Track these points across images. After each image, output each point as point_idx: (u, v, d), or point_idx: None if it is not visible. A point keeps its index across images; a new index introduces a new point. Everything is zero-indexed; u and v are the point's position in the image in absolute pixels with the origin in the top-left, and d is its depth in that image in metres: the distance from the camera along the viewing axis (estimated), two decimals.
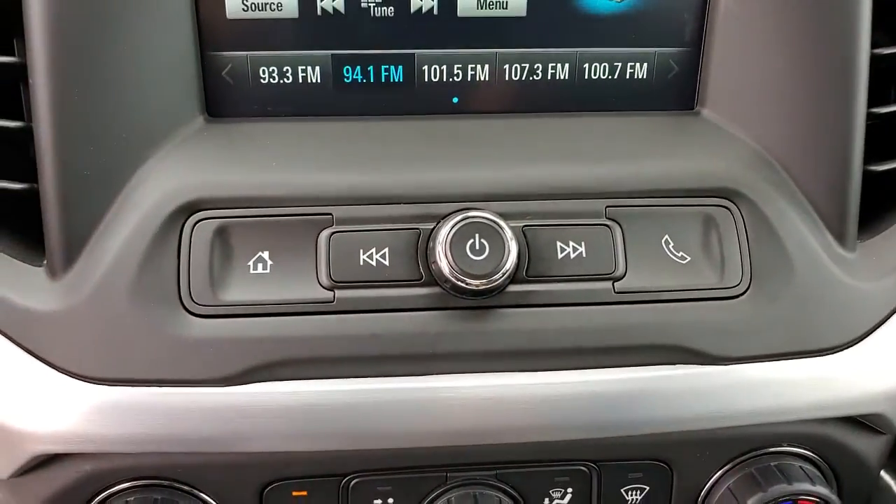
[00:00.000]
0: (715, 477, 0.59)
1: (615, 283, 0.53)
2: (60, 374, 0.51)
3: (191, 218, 0.52)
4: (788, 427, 0.58)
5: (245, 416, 0.51)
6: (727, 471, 0.59)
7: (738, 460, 0.59)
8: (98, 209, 0.52)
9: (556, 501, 0.58)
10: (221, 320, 0.51)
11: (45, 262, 0.53)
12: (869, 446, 0.60)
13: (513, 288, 0.52)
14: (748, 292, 0.54)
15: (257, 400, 0.51)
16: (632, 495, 0.59)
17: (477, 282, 0.50)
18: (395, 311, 0.52)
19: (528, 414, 0.53)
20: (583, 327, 0.53)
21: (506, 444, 0.56)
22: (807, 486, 0.57)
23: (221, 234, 0.52)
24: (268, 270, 0.52)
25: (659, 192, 0.55)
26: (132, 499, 0.54)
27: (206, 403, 0.51)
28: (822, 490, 0.56)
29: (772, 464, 0.58)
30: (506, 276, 0.50)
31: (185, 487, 0.55)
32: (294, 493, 0.56)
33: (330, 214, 0.52)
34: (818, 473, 0.59)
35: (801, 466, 0.58)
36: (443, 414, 0.53)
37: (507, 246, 0.50)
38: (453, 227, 0.50)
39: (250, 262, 0.52)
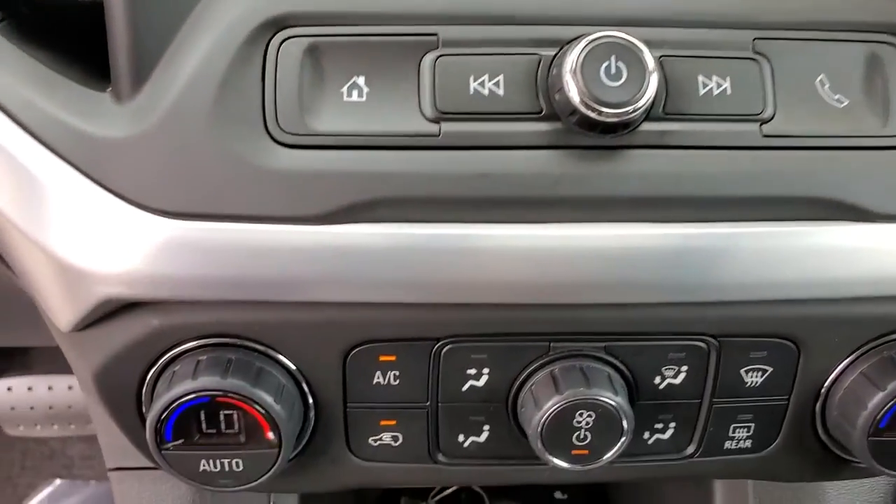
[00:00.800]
0: (847, 361, 0.53)
1: (763, 126, 0.46)
2: (131, 207, 0.45)
3: (277, 35, 0.45)
4: None
5: (337, 258, 0.45)
6: (861, 354, 0.53)
7: (874, 343, 0.52)
8: (171, 23, 0.45)
9: (669, 381, 0.53)
10: (312, 151, 0.45)
11: (110, 87, 0.47)
12: None
13: (647, 126, 0.45)
14: None
15: (352, 241, 0.45)
16: (752, 377, 0.53)
17: (611, 111, 0.42)
18: (510, 148, 0.45)
19: (655, 270, 0.47)
20: (725, 173, 0.46)
21: (619, 309, 0.50)
22: None
23: (312, 54, 0.45)
24: (363, 98, 0.45)
25: (815, 24, 0.47)
26: (204, 358, 0.49)
27: (294, 243, 0.45)
28: None
29: None
30: (643, 109, 0.43)
31: (262, 348, 0.50)
32: (381, 358, 0.51)
33: (436, 35, 0.45)
34: None
35: None
36: (557, 267, 0.46)
37: (647, 72, 0.43)
38: (586, 46, 0.43)
39: (344, 89, 0.45)
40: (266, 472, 0.50)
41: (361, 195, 0.44)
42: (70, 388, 1.58)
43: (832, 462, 0.57)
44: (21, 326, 1.02)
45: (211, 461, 0.49)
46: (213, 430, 0.49)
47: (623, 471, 0.56)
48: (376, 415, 0.53)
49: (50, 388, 1.57)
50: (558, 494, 0.89)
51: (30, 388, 1.56)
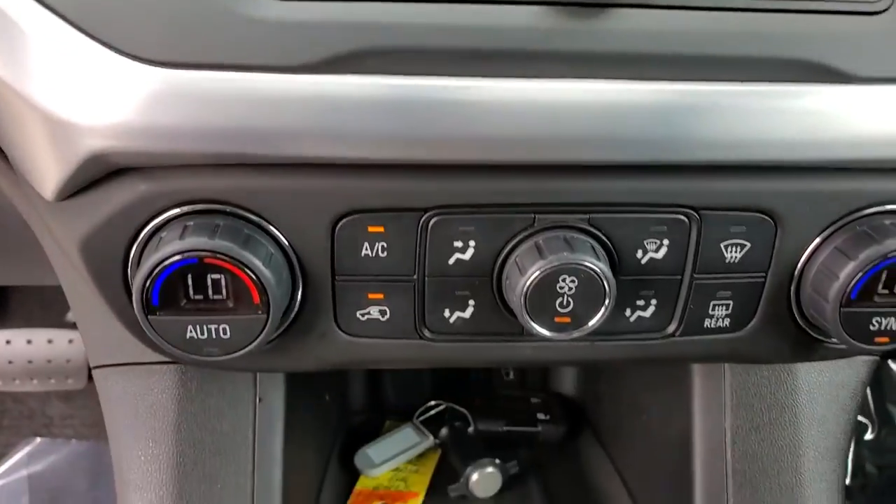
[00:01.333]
0: (821, 237, 0.54)
1: None
2: (119, 56, 0.45)
3: None
4: None
5: (325, 108, 0.45)
6: (835, 230, 0.54)
7: (848, 218, 0.54)
8: None
9: (651, 255, 0.54)
10: (301, 2, 0.45)
11: None
12: None
13: None
14: (893, 7, 0.48)
15: (340, 92, 0.45)
16: (731, 253, 0.54)
17: None
18: (499, 2, 0.46)
19: (639, 126, 0.48)
20: (710, 32, 0.47)
21: (602, 179, 0.51)
22: None
23: None
24: None
25: None
26: (191, 223, 0.49)
27: (283, 92, 0.45)
28: None
29: (886, 222, 0.54)
30: None
31: (250, 216, 0.50)
32: (369, 229, 0.51)
33: None
34: None
35: None
36: (543, 121, 0.47)
37: None
38: None
39: None
40: (253, 340, 0.50)
41: (349, 45, 0.45)
42: (50, 341, 1.57)
43: (807, 343, 0.59)
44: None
45: (198, 327, 0.50)
46: (201, 296, 0.49)
47: (605, 349, 0.57)
48: (364, 288, 0.53)
49: (29, 341, 1.56)
50: (541, 416, 0.91)
51: (8, 342, 1.55)
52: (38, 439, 1.77)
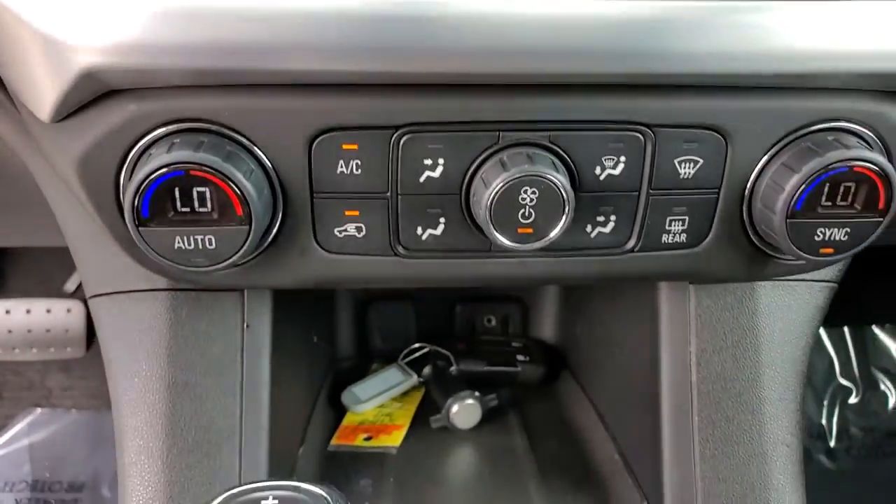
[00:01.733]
0: (769, 154, 0.58)
1: None
2: None
3: None
4: (847, 102, 0.57)
5: (302, 21, 0.49)
6: (782, 147, 0.58)
7: (794, 135, 0.58)
8: None
9: (608, 171, 0.57)
10: None
11: None
12: None
13: None
14: None
15: (317, 5, 0.49)
16: (685, 169, 0.58)
17: None
18: None
19: (595, 37, 0.51)
20: None
21: (563, 97, 0.54)
22: (865, 153, 0.56)
23: None
24: None
25: None
26: (178, 140, 0.53)
27: (266, 7, 0.49)
28: (879, 158, 0.56)
29: (829, 137, 0.57)
30: None
31: (232, 134, 0.54)
32: (344, 146, 0.55)
33: None
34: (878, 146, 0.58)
35: (858, 140, 0.57)
36: (507, 31, 0.50)
37: None
38: None
39: None
40: (237, 251, 0.54)
41: None
42: (48, 311, 1.60)
43: (761, 259, 0.62)
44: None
45: (185, 238, 0.53)
46: (187, 209, 0.53)
47: (568, 265, 0.61)
48: (341, 204, 0.57)
49: (28, 311, 1.59)
50: (520, 357, 0.94)
51: (7, 312, 1.59)
52: (39, 410, 1.81)
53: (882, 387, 1.84)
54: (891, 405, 1.83)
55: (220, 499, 0.41)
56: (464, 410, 0.83)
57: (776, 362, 0.70)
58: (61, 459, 1.74)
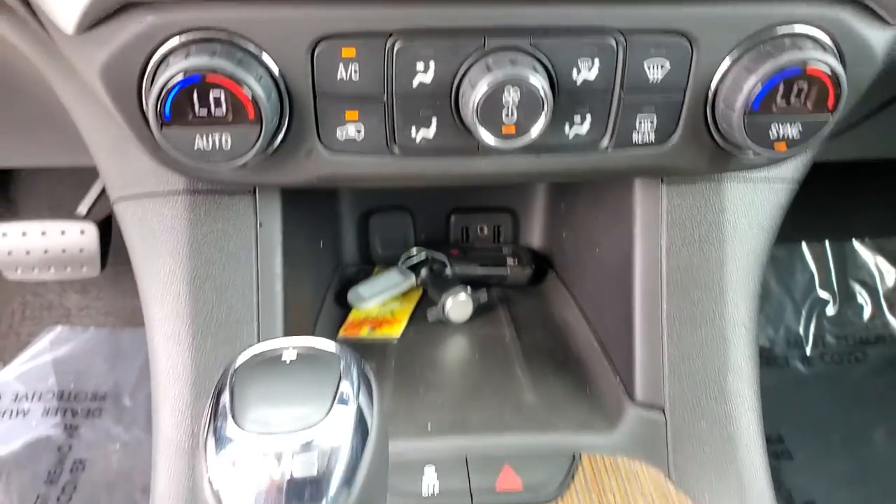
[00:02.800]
0: (731, 57, 0.64)
1: None
2: None
3: None
4: (804, 8, 0.62)
5: None
6: (743, 52, 0.64)
7: (754, 39, 0.63)
8: None
9: (584, 75, 0.63)
10: None
11: None
12: (877, 37, 0.65)
13: None
14: None
15: None
16: (653, 72, 0.64)
17: None
18: None
19: None
20: None
21: (543, 5, 0.60)
22: (816, 54, 0.61)
23: None
24: None
25: None
26: (193, 48, 0.58)
27: None
28: (831, 59, 0.61)
29: (786, 41, 0.63)
30: None
31: (243, 42, 0.60)
32: (343, 53, 0.61)
33: None
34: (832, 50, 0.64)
35: (813, 44, 0.63)
36: None
37: None
38: None
39: None
40: (250, 149, 0.60)
41: None
42: (63, 233, 1.67)
43: (722, 155, 0.69)
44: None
45: (203, 137, 0.60)
46: (205, 111, 0.59)
47: (550, 162, 0.67)
48: (342, 107, 0.63)
49: (43, 233, 1.66)
50: (510, 261, 1.02)
51: (24, 234, 1.65)
52: (59, 327, 1.90)
53: (859, 298, 1.93)
54: (865, 315, 1.92)
55: (246, 353, 0.47)
56: (457, 305, 0.91)
57: (739, 255, 0.77)
58: (83, 373, 1.85)
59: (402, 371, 0.83)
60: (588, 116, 0.65)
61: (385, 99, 0.63)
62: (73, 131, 0.77)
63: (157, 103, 0.58)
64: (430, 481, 0.68)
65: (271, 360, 0.43)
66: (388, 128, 0.64)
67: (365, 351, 0.86)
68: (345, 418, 0.39)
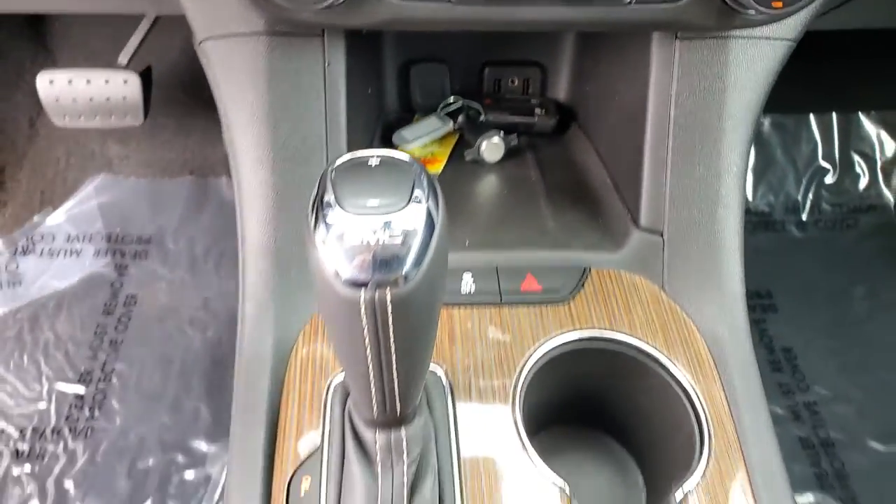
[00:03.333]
0: None
1: None
2: None
3: None
4: None
5: None
6: None
7: None
8: None
9: None
10: None
11: None
12: None
13: None
14: None
15: None
16: None
17: None
18: None
19: None
20: None
21: None
22: None
23: None
24: None
25: None
26: None
27: None
28: None
29: None
30: None
31: None
32: None
33: None
34: None
35: None
36: None
37: None
38: None
39: None
40: None
41: None
42: (107, 81, 1.75)
43: (729, 13, 0.77)
44: None
45: None
46: None
47: (578, 12, 0.76)
48: None
49: (88, 81, 1.74)
50: (538, 111, 1.12)
51: (70, 82, 1.74)
52: (102, 175, 2.03)
53: (857, 169, 2.04)
54: (861, 185, 2.04)
55: (341, 158, 0.56)
56: (491, 147, 1.02)
57: (737, 104, 0.87)
58: (128, 218, 1.99)
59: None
60: None
61: None
62: None
63: None
64: (467, 283, 0.83)
65: (360, 164, 0.52)
66: None
67: None
68: (419, 211, 0.48)
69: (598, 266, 0.85)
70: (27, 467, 1.59)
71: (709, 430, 0.72)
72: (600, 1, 0.75)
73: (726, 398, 0.75)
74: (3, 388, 1.70)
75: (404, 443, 0.59)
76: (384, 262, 0.47)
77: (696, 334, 0.80)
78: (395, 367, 0.52)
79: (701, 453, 0.71)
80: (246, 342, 0.77)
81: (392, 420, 0.58)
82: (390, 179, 0.50)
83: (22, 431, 1.64)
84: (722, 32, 0.82)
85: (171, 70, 1.87)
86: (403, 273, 0.47)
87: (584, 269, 0.84)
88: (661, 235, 0.85)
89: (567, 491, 0.66)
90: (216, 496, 1.57)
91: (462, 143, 1.09)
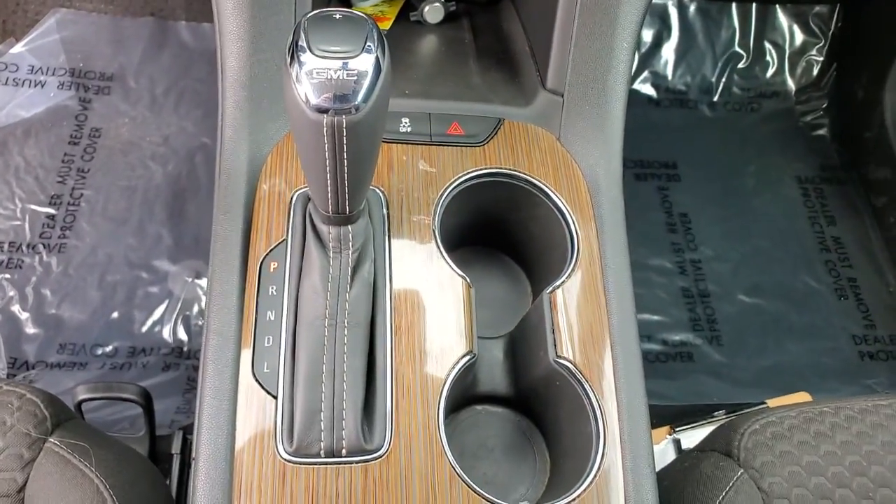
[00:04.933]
0: None
1: None
2: None
3: None
4: None
5: None
6: None
7: None
8: None
9: None
10: None
11: None
12: None
13: None
14: None
15: None
16: None
17: None
18: None
19: None
20: None
21: None
22: None
23: None
24: None
25: None
26: None
27: None
28: None
29: None
30: None
31: None
32: None
33: None
34: None
35: None
36: None
37: None
38: None
39: None
40: None
41: None
42: None
43: None
44: None
45: None
46: None
47: None
48: None
49: None
50: None
51: None
52: (64, 10, 2.08)
53: (767, 57, 2.26)
54: (769, 73, 2.26)
55: (312, 13, 0.67)
56: (433, 10, 1.19)
57: None
58: (90, 54, 2.08)
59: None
60: None
61: None
62: None
63: None
64: (405, 124, 1.02)
65: (327, 17, 0.65)
66: None
67: None
68: (370, 58, 0.63)
69: (510, 118, 1.05)
70: (7, 275, 1.78)
71: (578, 247, 0.96)
72: None
73: (595, 225, 0.98)
74: None
75: (350, 235, 0.81)
76: (342, 95, 0.63)
77: (580, 176, 1.02)
78: (346, 174, 0.70)
79: (570, 263, 0.95)
80: (225, 157, 0.95)
81: (342, 219, 0.79)
82: (349, 31, 0.64)
83: (0, 244, 1.81)
84: None
85: None
86: (356, 104, 0.63)
87: (499, 121, 1.04)
88: (562, 96, 1.06)
89: (468, 281, 0.90)
90: (176, 309, 1.80)
91: (407, 6, 1.24)
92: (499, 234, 1.09)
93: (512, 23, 1.23)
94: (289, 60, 0.63)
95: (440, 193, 0.95)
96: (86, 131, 1.99)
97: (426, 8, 1.18)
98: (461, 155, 0.99)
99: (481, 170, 0.98)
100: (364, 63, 0.63)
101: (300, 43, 0.63)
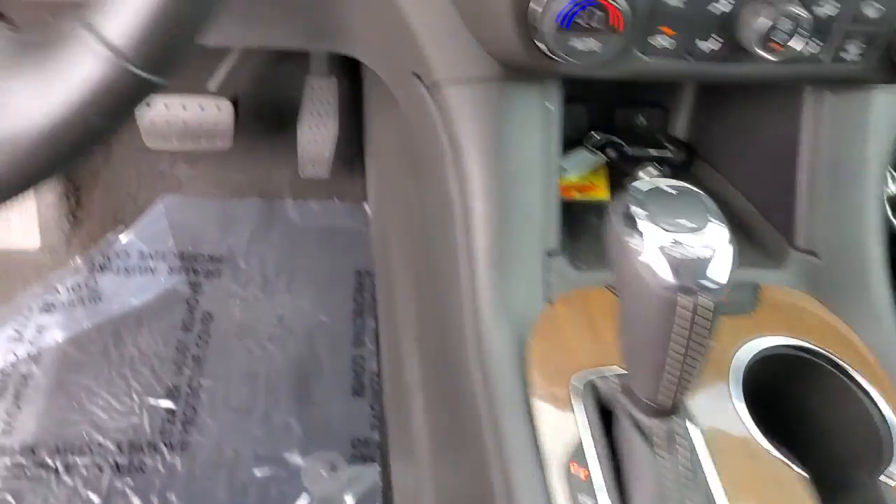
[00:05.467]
0: None
1: None
2: None
3: None
4: None
5: None
6: None
7: None
8: None
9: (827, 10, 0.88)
10: None
11: None
12: None
13: None
14: None
15: None
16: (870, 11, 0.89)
17: None
18: None
19: None
20: None
21: None
22: None
23: None
24: None
25: None
26: None
27: None
28: None
29: None
30: None
31: None
32: None
33: None
34: None
35: None
36: None
37: None
38: None
39: None
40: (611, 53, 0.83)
41: None
42: (202, 108, 1.82)
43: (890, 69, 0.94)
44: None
45: (582, 42, 0.82)
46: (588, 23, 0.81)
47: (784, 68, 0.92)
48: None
49: (184, 107, 1.81)
50: (668, 145, 1.29)
51: (166, 106, 1.80)
52: (171, 195, 2.08)
53: None
54: None
55: (640, 185, 0.71)
56: (646, 176, 1.18)
57: (879, 144, 0.96)
58: (198, 237, 2.05)
59: None
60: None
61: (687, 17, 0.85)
62: (329, 15, 0.95)
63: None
64: None
65: (658, 190, 0.63)
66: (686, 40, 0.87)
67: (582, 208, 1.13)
68: (721, 230, 0.60)
69: (764, 282, 1.00)
70: (129, 481, 1.63)
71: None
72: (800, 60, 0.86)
73: None
74: (95, 402, 1.73)
75: (681, 429, 0.73)
76: (704, 273, 0.58)
77: (859, 343, 0.95)
78: (696, 360, 0.63)
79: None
80: (482, 342, 0.87)
81: (667, 410, 0.71)
82: (686, 203, 0.62)
83: (119, 445, 1.67)
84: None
85: (242, 97, 1.95)
86: (721, 283, 0.58)
87: (756, 285, 0.99)
88: (817, 256, 1.02)
89: (808, 478, 0.79)
90: None
91: (616, 173, 1.23)
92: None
93: (718, 183, 1.21)
94: (625, 233, 0.60)
95: (728, 367, 0.87)
96: (197, 316, 1.92)
97: (642, 174, 1.17)
98: (734, 325, 0.92)
99: (761, 339, 0.91)
100: (718, 238, 0.59)
101: (637, 217, 0.60)
